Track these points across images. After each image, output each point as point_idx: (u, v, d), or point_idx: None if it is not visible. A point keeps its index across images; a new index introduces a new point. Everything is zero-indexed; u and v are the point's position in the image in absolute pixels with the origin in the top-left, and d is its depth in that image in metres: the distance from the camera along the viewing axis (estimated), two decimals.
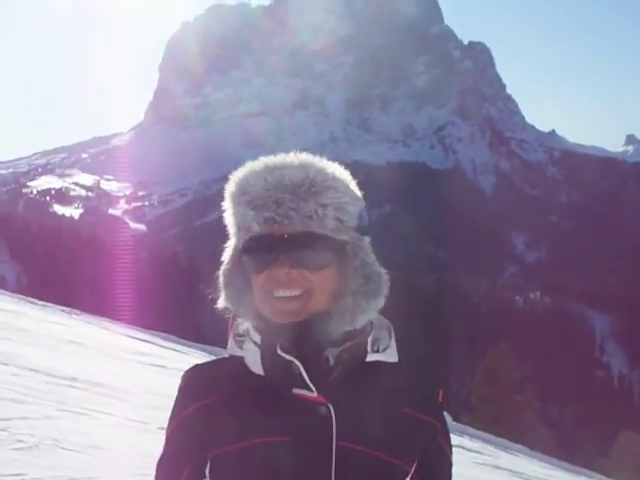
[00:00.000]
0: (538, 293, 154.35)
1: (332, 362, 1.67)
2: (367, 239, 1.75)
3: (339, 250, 1.68)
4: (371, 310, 1.70)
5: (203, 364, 1.81)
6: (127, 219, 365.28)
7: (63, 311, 24.36)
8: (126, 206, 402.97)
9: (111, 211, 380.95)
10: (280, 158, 1.73)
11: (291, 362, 1.63)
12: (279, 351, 1.64)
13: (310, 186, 1.66)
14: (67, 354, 14.25)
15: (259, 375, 1.69)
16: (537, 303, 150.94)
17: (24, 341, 14.04)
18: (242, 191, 1.69)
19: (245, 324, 1.75)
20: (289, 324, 1.64)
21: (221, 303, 1.75)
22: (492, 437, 21.89)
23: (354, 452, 1.64)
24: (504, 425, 35.14)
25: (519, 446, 21.86)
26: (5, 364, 11.06)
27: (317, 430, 1.63)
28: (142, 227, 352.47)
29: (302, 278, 1.63)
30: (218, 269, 1.77)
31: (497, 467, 14.70)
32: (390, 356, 1.77)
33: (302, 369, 1.63)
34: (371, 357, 1.72)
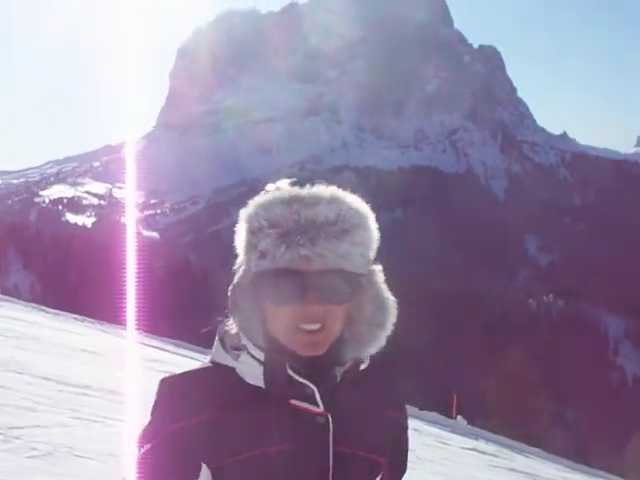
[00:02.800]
0: (551, 296, 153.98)
1: (339, 379, 1.76)
2: (379, 268, 1.82)
3: (358, 283, 1.73)
4: (382, 338, 1.79)
5: (188, 374, 1.82)
6: (140, 227, 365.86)
7: (76, 319, 24.43)
8: (138, 214, 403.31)
9: (123, 219, 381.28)
10: (309, 192, 1.72)
11: (301, 383, 1.72)
12: (290, 372, 1.71)
13: (342, 224, 1.68)
14: (80, 362, 14.28)
15: (255, 386, 1.74)
16: (551, 306, 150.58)
17: (37, 350, 14.07)
18: (271, 223, 1.69)
19: (240, 337, 1.78)
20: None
21: (234, 328, 1.79)
22: (507, 440, 21.87)
23: (348, 455, 1.74)
24: (519, 428, 35.05)
25: (534, 449, 21.80)
26: (19, 373, 11.08)
27: (316, 437, 1.72)
28: (155, 235, 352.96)
29: (328, 312, 1.67)
30: (229, 291, 1.78)
31: (512, 470, 14.67)
32: (366, 362, 1.85)
33: (316, 391, 1.72)
34: (362, 366, 1.83)
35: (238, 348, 1.78)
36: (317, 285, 1.65)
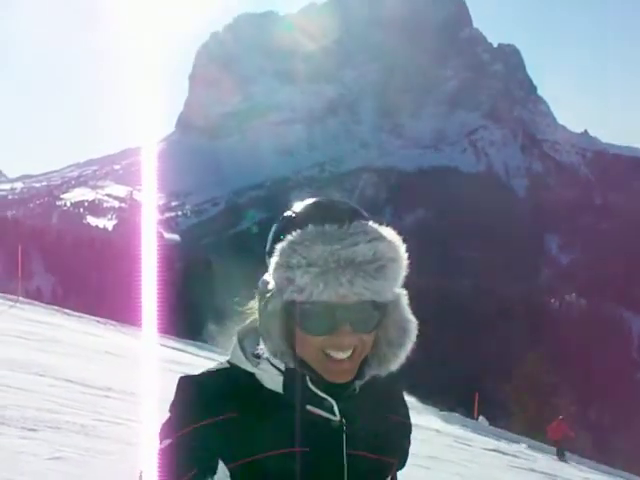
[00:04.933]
0: (574, 295, 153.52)
1: (357, 390, 1.84)
2: (404, 292, 1.85)
3: (386, 309, 1.79)
4: (403, 357, 1.85)
5: (207, 373, 1.89)
6: (161, 229, 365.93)
7: (98, 322, 24.56)
8: (159, 216, 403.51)
9: (144, 222, 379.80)
10: (348, 232, 1.74)
11: (321, 396, 1.81)
12: (311, 386, 1.79)
13: (379, 261, 1.72)
14: (102, 364, 14.34)
15: (272, 391, 1.82)
16: (573, 305, 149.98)
17: (60, 352, 14.14)
18: (310, 261, 1.71)
19: (260, 347, 1.83)
20: None
21: (268, 352, 1.80)
22: (529, 440, 21.83)
23: (361, 458, 1.84)
24: (541, 429, 34.94)
25: (555, 449, 21.74)
26: (41, 375, 11.15)
27: (331, 441, 1.81)
28: (176, 237, 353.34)
29: (358, 340, 1.73)
30: (259, 317, 1.83)
31: (533, 470, 14.64)
32: None
33: (335, 405, 1.81)
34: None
35: (258, 355, 1.84)
36: (350, 317, 1.71)
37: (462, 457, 13.79)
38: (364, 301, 1.71)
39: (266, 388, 1.82)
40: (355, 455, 1.82)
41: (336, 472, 1.80)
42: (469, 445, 16.15)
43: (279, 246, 1.77)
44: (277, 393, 1.81)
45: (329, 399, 1.80)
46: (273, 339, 1.79)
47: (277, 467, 1.76)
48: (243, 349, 1.88)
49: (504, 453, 16.40)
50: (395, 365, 1.86)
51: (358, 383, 1.84)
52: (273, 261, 1.78)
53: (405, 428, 2.05)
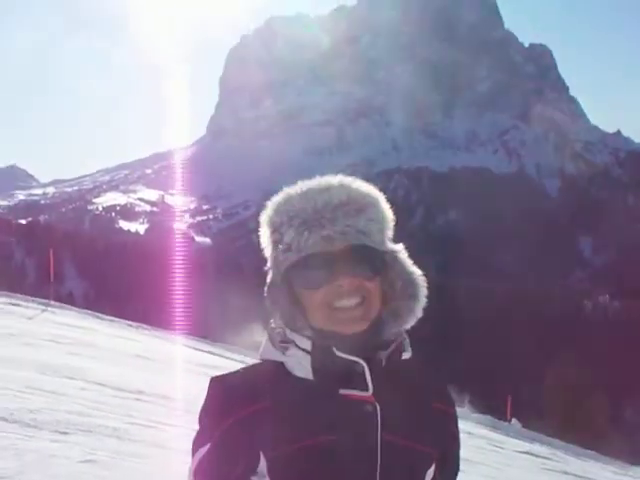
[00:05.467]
0: (607, 297, 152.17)
1: (384, 363, 1.81)
2: (401, 245, 1.90)
3: (383, 260, 1.82)
4: (418, 310, 1.86)
5: (238, 371, 1.89)
6: (192, 233, 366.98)
7: (130, 325, 24.62)
8: (191, 220, 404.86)
9: (176, 225, 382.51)
10: (319, 181, 1.86)
11: (351, 363, 1.76)
12: (337, 352, 1.75)
13: (355, 204, 1.78)
14: (134, 368, 14.39)
15: (303, 379, 1.79)
16: (607, 307, 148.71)
17: (92, 356, 14.21)
18: (290, 215, 1.80)
19: (286, 332, 1.83)
20: (349, 333, 1.76)
21: (277, 323, 1.85)
22: (561, 443, 21.64)
23: (396, 445, 1.78)
24: (575, 431, 34.72)
25: (589, 452, 21.54)
26: (72, 378, 11.20)
27: (364, 426, 1.76)
28: (207, 240, 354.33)
29: (361, 286, 1.74)
30: (265, 293, 1.86)
31: (566, 473, 14.53)
32: (408, 353, 1.90)
33: (366, 368, 1.76)
34: (404, 355, 1.88)
35: (286, 342, 1.83)
36: (344, 261, 1.74)
37: (495, 460, 13.73)
38: (356, 245, 1.75)
39: (296, 377, 1.80)
40: (390, 442, 1.78)
41: (369, 459, 1.75)
42: (502, 448, 16.07)
43: (263, 214, 1.90)
44: (307, 380, 1.79)
45: (359, 361, 1.76)
46: (283, 309, 1.82)
47: (310, 457, 1.72)
48: (272, 341, 1.87)
49: (537, 456, 16.29)
50: (411, 320, 1.86)
51: (383, 354, 1.81)
52: (261, 231, 1.91)
53: (447, 417, 1.99)
